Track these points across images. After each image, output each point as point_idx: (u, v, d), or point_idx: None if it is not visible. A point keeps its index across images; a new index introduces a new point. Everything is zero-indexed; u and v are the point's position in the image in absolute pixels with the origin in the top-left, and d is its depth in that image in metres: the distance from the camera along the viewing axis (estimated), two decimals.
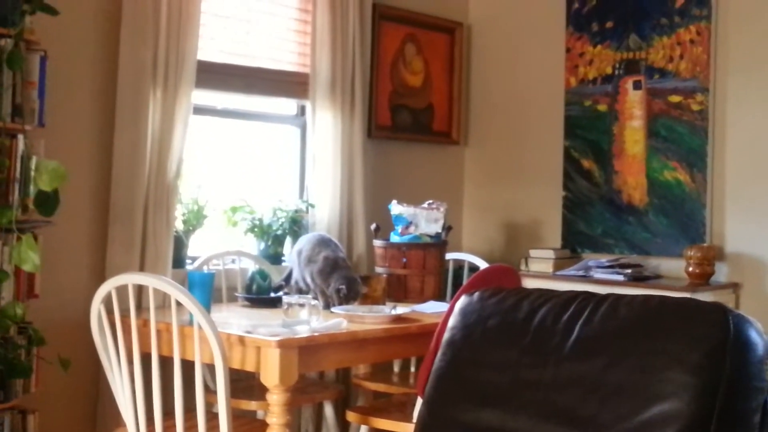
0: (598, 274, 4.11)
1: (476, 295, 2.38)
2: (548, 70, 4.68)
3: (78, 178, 3.34)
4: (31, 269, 2.85)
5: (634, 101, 4.38)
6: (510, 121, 4.86)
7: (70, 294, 3.35)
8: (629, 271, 4.05)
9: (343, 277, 3.41)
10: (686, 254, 3.99)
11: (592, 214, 4.50)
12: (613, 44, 4.44)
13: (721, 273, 4.05)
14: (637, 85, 4.37)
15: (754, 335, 1.94)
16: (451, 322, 2.38)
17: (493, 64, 4.95)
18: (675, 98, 4.23)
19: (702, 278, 3.94)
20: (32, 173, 2.89)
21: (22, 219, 2.89)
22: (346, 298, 3.39)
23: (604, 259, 4.23)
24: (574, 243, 4.55)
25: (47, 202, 2.90)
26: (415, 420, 2.38)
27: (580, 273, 4.18)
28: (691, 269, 3.96)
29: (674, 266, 4.14)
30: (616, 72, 4.44)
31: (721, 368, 1.88)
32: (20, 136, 2.90)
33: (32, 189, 2.90)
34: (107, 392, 3.10)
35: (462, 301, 2.41)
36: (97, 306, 2.84)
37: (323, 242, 3.58)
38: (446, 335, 2.37)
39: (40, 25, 3.03)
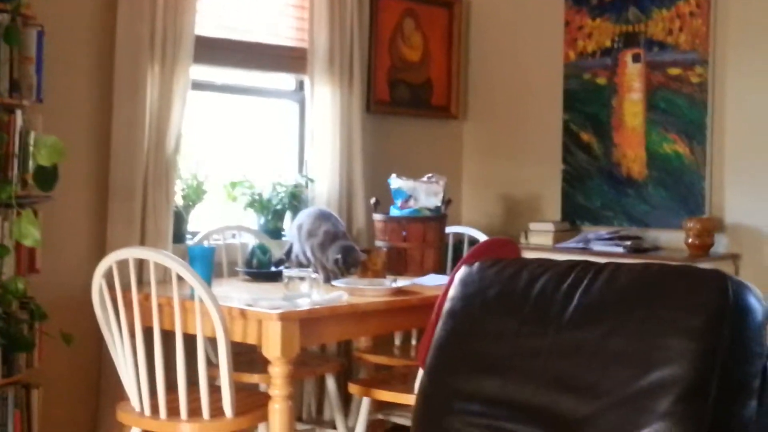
0: (598, 247, 4.12)
1: (476, 265, 2.39)
2: (547, 44, 4.66)
3: (77, 153, 3.33)
4: (32, 244, 2.86)
5: (633, 74, 4.37)
6: (509, 95, 4.85)
7: (71, 269, 3.36)
8: (629, 243, 4.06)
9: (339, 247, 3.42)
10: (686, 226, 3.99)
11: (591, 187, 4.50)
12: (612, 17, 4.42)
13: (721, 244, 4.06)
14: (636, 58, 4.36)
15: (753, 301, 1.95)
16: (451, 292, 2.39)
17: (491, 38, 4.93)
18: (674, 71, 4.22)
19: (701, 249, 3.95)
20: (31, 148, 2.89)
21: (22, 194, 2.89)
22: (346, 267, 3.40)
23: (603, 231, 4.24)
24: (574, 216, 4.55)
25: (46, 178, 2.90)
26: (416, 391, 2.39)
27: (580, 245, 4.19)
28: (690, 240, 3.97)
29: (674, 238, 4.15)
30: (615, 45, 4.43)
31: (720, 334, 1.88)
32: (18, 112, 2.90)
33: (31, 164, 2.90)
34: (110, 366, 3.12)
35: (462, 271, 2.41)
36: (98, 280, 2.85)
37: (323, 216, 3.59)
38: (446, 305, 2.38)
39: (37, 0, 3.02)
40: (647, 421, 1.86)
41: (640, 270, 2.09)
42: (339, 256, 3.40)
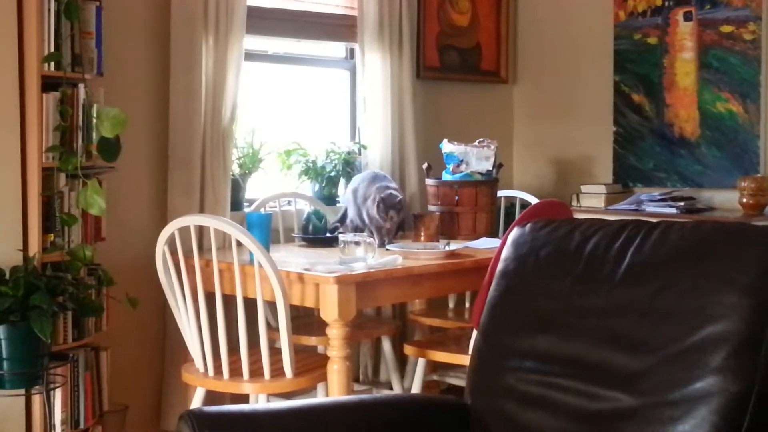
0: (651, 208, 4.11)
1: (528, 226, 2.42)
2: (596, 4, 4.64)
3: (137, 125, 3.43)
4: (98, 213, 2.96)
5: (684, 33, 4.33)
6: (559, 58, 4.83)
7: (134, 236, 3.47)
8: (682, 203, 4.05)
9: (381, 192, 3.50)
10: (740, 185, 3.97)
11: (643, 149, 4.49)
12: None
13: None
14: (687, 16, 4.32)
15: None
16: (504, 253, 2.43)
17: (540, 0, 4.91)
18: (727, 28, 4.18)
19: (756, 209, 3.93)
20: (94, 120, 2.99)
21: (87, 165, 2.99)
22: (385, 209, 3.47)
23: (656, 192, 4.23)
24: (626, 178, 4.55)
25: (110, 148, 3.00)
26: (470, 351, 2.44)
27: (632, 207, 4.19)
28: (744, 200, 3.95)
29: (727, 198, 4.13)
30: (666, 3, 4.39)
31: None
32: (81, 85, 2.99)
33: (95, 136, 3.00)
34: (174, 329, 3.23)
35: (514, 232, 2.44)
36: (161, 247, 2.95)
37: (377, 178, 3.67)
38: (500, 266, 2.42)
39: None
40: (700, 376, 1.89)
41: (691, 228, 2.10)
42: (380, 195, 3.48)
